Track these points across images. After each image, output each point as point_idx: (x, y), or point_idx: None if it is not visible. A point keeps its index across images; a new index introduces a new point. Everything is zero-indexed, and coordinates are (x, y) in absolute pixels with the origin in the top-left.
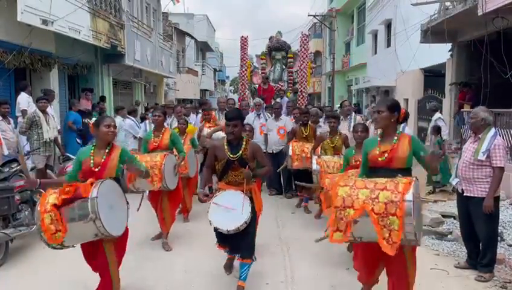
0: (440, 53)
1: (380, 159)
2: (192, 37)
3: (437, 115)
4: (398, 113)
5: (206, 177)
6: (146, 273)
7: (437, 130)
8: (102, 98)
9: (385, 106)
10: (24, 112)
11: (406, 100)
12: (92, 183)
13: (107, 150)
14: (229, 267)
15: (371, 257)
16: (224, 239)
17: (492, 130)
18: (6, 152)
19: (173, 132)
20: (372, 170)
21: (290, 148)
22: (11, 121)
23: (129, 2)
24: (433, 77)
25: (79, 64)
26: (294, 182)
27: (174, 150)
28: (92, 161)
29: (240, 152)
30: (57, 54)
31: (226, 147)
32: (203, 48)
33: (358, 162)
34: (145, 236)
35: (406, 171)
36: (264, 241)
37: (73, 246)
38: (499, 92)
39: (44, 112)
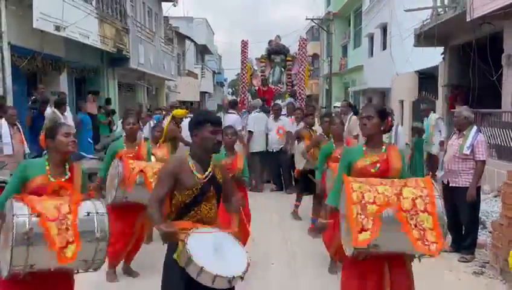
0: (433, 56)
1: (372, 170)
2: (192, 41)
3: (435, 115)
4: (386, 121)
5: (159, 214)
6: None
7: (418, 131)
8: (108, 101)
9: (375, 112)
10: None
11: (401, 102)
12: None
13: (67, 167)
14: None
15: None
16: None
17: (475, 128)
18: (27, 150)
19: (148, 145)
20: None
21: (297, 149)
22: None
23: (133, 7)
24: (427, 79)
25: (86, 68)
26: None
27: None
28: (50, 180)
29: (213, 172)
30: (66, 58)
31: (192, 165)
32: (203, 51)
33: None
34: None
35: None
36: (266, 231)
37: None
38: (488, 93)
39: (62, 114)
